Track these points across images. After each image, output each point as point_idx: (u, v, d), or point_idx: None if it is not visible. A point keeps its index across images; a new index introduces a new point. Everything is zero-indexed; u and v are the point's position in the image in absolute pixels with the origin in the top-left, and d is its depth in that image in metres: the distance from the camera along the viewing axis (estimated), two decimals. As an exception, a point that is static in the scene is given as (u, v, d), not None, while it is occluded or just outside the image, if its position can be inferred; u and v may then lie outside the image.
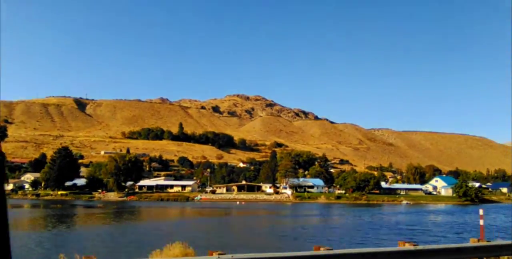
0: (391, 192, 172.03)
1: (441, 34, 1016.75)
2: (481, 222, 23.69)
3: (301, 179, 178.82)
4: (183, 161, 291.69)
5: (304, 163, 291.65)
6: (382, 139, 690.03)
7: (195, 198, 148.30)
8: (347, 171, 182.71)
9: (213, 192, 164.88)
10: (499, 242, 10.51)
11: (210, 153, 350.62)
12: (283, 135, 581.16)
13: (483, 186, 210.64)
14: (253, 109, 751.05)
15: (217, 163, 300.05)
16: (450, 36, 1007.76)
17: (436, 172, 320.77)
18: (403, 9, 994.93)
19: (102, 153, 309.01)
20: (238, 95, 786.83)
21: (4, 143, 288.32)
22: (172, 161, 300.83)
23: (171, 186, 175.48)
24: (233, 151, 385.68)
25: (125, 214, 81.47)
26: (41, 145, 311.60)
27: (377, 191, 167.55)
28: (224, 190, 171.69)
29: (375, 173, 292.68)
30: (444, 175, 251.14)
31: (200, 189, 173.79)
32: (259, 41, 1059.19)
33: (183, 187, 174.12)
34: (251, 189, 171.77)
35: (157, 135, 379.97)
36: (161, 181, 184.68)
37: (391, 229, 50.35)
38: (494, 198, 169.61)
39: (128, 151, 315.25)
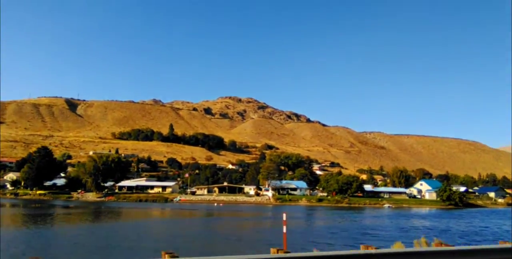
0: (375, 195, 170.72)
1: (436, 37, 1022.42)
2: (284, 229, 21.05)
3: (284, 181, 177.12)
4: (172, 162, 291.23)
5: (293, 165, 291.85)
6: (374, 142, 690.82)
7: (174, 199, 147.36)
8: (331, 174, 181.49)
9: (193, 193, 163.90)
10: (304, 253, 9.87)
11: (199, 154, 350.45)
12: (274, 137, 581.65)
13: (470, 190, 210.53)
14: (245, 111, 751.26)
15: (206, 164, 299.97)
16: (445, 39, 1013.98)
17: (426, 176, 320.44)
18: (397, 12, 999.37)
19: (91, 153, 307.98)
20: (230, 98, 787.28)
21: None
22: (161, 162, 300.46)
23: (152, 187, 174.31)
24: (223, 152, 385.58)
25: (93, 214, 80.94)
26: (30, 145, 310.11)
27: (361, 194, 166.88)
28: (205, 191, 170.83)
29: (365, 176, 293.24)
30: (433, 179, 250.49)
31: (181, 190, 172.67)
32: (253, 43, 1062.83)
33: (164, 188, 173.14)
34: (232, 190, 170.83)
35: (147, 136, 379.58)
36: (141, 182, 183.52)
37: (351, 233, 50.03)
38: (479, 202, 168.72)
39: (117, 151, 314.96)
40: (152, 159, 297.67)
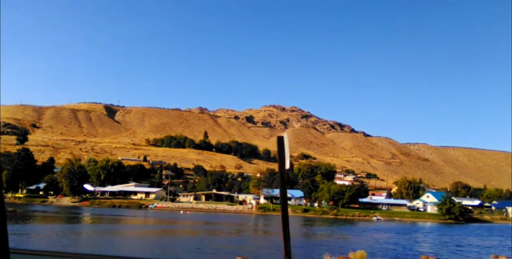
0: (372, 206, 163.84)
1: (481, 45, 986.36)
2: None
3: (278, 190, 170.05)
4: (198, 169, 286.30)
5: (322, 175, 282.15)
6: (417, 154, 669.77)
7: (150, 206, 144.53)
8: (325, 183, 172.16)
9: (173, 200, 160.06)
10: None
11: (230, 162, 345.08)
12: (313, 147, 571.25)
13: (487, 204, 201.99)
14: (288, 120, 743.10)
15: (235, 172, 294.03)
16: (493, 47, 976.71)
17: (464, 189, 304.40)
18: (439, 18, 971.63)
19: (119, 159, 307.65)
20: (274, 106, 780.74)
21: (24, 146, 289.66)
22: (189, 169, 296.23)
23: (135, 193, 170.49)
24: (255, 161, 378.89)
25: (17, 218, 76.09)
26: (59, 149, 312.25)
27: (357, 206, 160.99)
28: (191, 198, 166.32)
29: (395, 188, 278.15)
30: (442, 191, 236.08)
31: (169, 196, 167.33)
32: (300, 51, 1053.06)
33: (147, 194, 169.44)
34: (219, 198, 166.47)
35: (179, 143, 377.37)
36: (124, 187, 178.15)
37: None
38: (486, 217, 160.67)
39: (145, 158, 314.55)
40: (179, 166, 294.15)
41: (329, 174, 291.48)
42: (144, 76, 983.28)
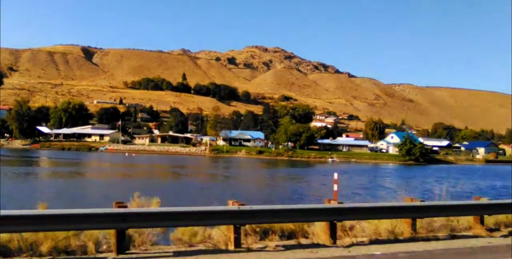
0: (332, 148, 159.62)
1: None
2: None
3: (237, 132, 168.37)
4: (174, 111, 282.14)
5: (300, 117, 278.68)
6: (402, 95, 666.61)
7: (100, 148, 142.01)
8: (284, 124, 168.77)
9: (125, 142, 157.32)
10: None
11: (208, 104, 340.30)
12: (294, 88, 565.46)
13: (457, 145, 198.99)
14: (271, 61, 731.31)
15: (212, 115, 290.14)
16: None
17: (445, 131, 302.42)
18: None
19: (95, 102, 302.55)
20: (256, 47, 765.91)
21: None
22: (165, 111, 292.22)
23: (89, 135, 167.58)
24: (234, 103, 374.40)
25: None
26: (34, 93, 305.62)
27: (316, 147, 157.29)
28: (147, 140, 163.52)
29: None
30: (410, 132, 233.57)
31: (121, 138, 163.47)
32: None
33: (102, 136, 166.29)
34: (175, 140, 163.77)
35: (157, 85, 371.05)
36: (80, 130, 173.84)
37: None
38: (450, 158, 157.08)
39: (121, 101, 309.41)
40: (156, 109, 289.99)
41: (307, 115, 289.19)
42: (124, 17, 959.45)
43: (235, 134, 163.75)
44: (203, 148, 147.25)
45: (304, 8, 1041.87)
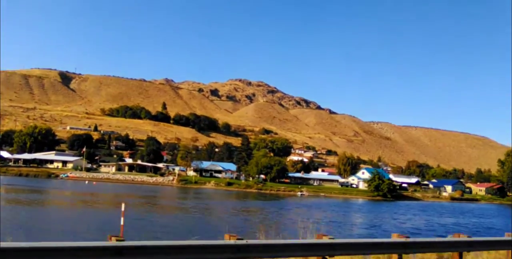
0: (303, 182, 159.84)
1: (448, 32, 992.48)
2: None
3: (209, 163, 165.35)
4: (151, 141, 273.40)
5: (278, 150, 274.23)
6: (380, 133, 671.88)
7: (61, 175, 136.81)
8: (256, 156, 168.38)
9: (89, 169, 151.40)
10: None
11: (187, 135, 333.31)
12: (276, 122, 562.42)
13: (425, 182, 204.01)
14: (254, 95, 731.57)
15: (190, 145, 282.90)
16: (457, 34, 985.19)
17: (418, 169, 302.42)
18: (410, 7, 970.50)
19: (68, 128, 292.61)
20: (240, 80, 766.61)
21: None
22: (142, 140, 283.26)
23: (51, 161, 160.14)
24: (213, 134, 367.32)
25: None
26: (4, 116, 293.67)
27: (287, 180, 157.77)
28: (113, 169, 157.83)
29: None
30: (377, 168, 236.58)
31: (85, 166, 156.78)
32: (268, 26, 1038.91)
33: (65, 163, 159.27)
34: (143, 169, 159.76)
35: (135, 113, 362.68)
36: (42, 156, 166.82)
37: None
38: (417, 195, 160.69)
39: (96, 128, 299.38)
40: (132, 137, 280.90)
41: (285, 149, 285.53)
42: (107, 45, 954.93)
43: (206, 164, 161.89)
44: (171, 178, 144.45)
45: (289, 45, 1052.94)
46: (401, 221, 60.89)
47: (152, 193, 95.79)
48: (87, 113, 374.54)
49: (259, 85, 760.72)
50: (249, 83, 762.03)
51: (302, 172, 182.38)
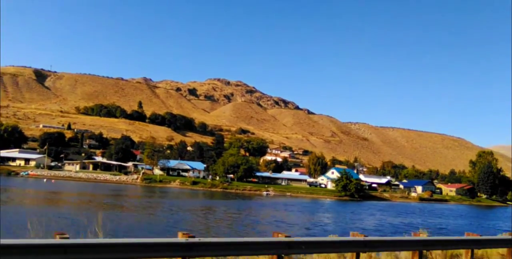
0: (271, 181, 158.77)
1: (428, 32, 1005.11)
2: None
3: (176, 161, 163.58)
4: (125, 140, 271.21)
5: (253, 150, 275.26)
6: (357, 133, 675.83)
7: (22, 173, 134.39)
8: (224, 155, 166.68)
9: (51, 167, 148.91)
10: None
11: (162, 134, 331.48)
12: (253, 122, 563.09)
13: (396, 182, 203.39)
14: (232, 94, 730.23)
15: (165, 144, 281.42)
16: (437, 34, 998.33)
17: (393, 169, 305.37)
18: (389, 6, 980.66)
19: (41, 126, 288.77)
20: (219, 80, 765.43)
21: None
22: (116, 139, 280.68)
23: (14, 159, 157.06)
24: (189, 134, 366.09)
25: None
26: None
27: (255, 179, 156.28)
28: (77, 167, 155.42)
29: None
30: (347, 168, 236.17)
31: (47, 164, 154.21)
32: (249, 29, 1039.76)
33: (27, 160, 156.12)
34: (108, 168, 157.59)
35: (110, 112, 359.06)
36: (3, 153, 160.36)
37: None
38: (386, 195, 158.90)
39: (69, 126, 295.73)
40: (106, 136, 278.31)
41: (261, 149, 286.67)
42: (84, 42, 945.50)
43: (174, 163, 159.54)
44: (135, 176, 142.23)
45: (268, 44, 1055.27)
46: (352, 221, 61.19)
47: (110, 192, 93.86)
48: (61, 111, 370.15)
49: (237, 85, 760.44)
50: (228, 83, 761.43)
51: (270, 171, 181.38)
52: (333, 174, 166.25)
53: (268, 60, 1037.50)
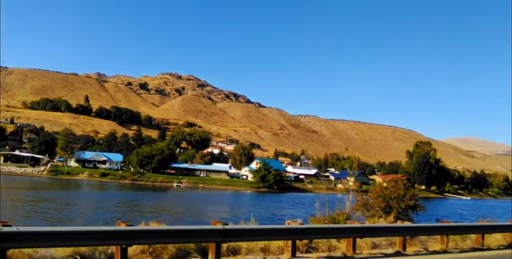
0: (190, 172, 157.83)
1: (376, 24, 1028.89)
2: None
3: (93, 153, 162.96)
4: (66, 133, 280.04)
5: (196, 142, 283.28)
6: (307, 126, 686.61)
7: None
8: (142, 146, 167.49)
9: None
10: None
11: (106, 127, 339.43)
12: (202, 116, 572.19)
13: (325, 174, 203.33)
14: (183, 88, 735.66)
15: (96, 136, 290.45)
16: (384, 27, 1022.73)
17: (338, 162, 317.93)
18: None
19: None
20: (171, 74, 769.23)
21: None
22: (58, 133, 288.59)
23: None
24: (135, 127, 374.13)
25: None
26: None
27: (173, 171, 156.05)
28: None
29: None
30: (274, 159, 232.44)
31: None
32: (203, 22, 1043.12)
33: None
34: (18, 160, 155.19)
35: (56, 106, 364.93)
36: None
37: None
38: (309, 187, 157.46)
39: (12, 120, 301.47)
40: (48, 130, 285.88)
41: (203, 141, 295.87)
42: (35, 37, 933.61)
43: (90, 155, 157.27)
44: (42, 168, 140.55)
45: (218, 38, 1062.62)
46: (232, 211, 64.94)
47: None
48: (7, 106, 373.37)
49: (189, 79, 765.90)
50: (179, 77, 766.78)
51: (189, 162, 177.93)
52: (258, 165, 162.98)
53: (220, 53, 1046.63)
